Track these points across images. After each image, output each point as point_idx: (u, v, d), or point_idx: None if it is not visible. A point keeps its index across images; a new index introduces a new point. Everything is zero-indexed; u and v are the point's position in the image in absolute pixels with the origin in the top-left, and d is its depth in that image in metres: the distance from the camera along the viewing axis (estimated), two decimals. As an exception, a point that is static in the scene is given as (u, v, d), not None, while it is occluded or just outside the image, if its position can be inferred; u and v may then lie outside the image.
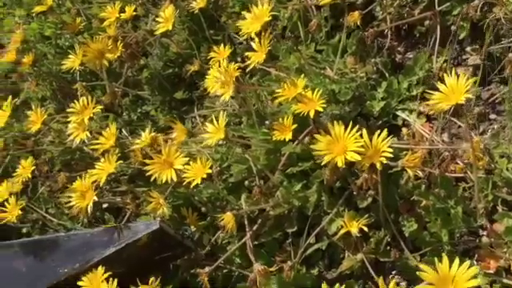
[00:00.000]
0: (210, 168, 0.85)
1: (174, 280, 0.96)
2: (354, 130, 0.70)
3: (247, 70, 0.93)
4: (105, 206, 1.16)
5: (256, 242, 0.90)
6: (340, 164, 0.69)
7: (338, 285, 0.75)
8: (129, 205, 0.99)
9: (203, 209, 0.99)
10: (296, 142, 0.87)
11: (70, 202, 1.20)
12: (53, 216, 1.20)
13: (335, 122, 0.71)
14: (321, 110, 0.77)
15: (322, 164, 0.71)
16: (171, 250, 0.93)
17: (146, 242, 0.90)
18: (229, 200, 0.97)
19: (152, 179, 0.90)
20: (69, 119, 1.07)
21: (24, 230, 1.23)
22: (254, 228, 0.90)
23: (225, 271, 0.94)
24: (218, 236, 0.96)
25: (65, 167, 1.26)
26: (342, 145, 0.70)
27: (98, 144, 0.99)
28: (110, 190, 1.15)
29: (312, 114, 0.77)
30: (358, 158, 0.69)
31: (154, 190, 0.93)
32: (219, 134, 0.84)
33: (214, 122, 0.86)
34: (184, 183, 0.87)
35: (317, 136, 0.72)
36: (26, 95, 1.38)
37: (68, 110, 1.06)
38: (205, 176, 0.85)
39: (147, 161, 0.90)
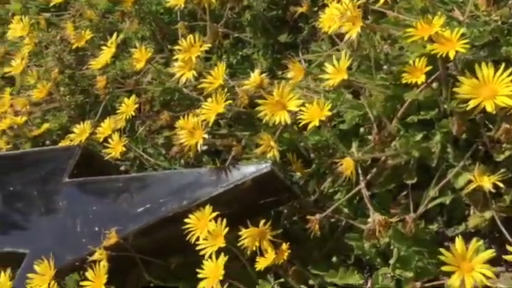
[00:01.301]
0: (330, 110, 0.80)
1: (275, 227, 0.94)
2: (507, 72, 0.63)
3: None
4: (203, 148, 1.15)
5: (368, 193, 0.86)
6: (489, 109, 0.63)
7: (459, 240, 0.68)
8: (234, 147, 0.96)
9: (311, 155, 0.95)
10: (421, 88, 0.81)
11: (168, 141, 1.22)
12: (150, 156, 1.21)
13: (483, 63, 0.64)
14: (463, 50, 0.70)
15: (468, 109, 0.65)
16: (277, 195, 0.91)
17: (254, 185, 0.87)
18: (338, 147, 0.93)
19: (263, 121, 0.87)
20: (173, 58, 1.05)
21: (122, 168, 1.25)
22: (368, 177, 0.85)
23: (332, 220, 0.91)
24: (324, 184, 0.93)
25: (163, 108, 1.26)
26: (491, 88, 0.63)
27: (206, 83, 0.97)
28: (209, 132, 1.14)
29: (452, 55, 0.70)
30: (511, 102, 0.62)
31: (262, 133, 0.91)
32: (341, 76, 0.79)
33: (335, 62, 0.81)
34: (300, 126, 0.83)
35: (461, 78, 0.65)
36: (125, 35, 1.38)
37: (175, 47, 1.04)
38: (323, 118, 0.81)
39: (259, 101, 0.87)
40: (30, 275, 0.89)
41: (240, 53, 1.20)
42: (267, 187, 0.88)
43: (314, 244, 0.89)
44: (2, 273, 0.92)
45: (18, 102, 1.28)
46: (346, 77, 0.78)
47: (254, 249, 0.84)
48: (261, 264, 0.82)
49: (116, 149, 1.11)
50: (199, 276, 0.83)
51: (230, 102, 0.92)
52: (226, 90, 0.93)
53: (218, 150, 1.16)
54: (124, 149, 1.10)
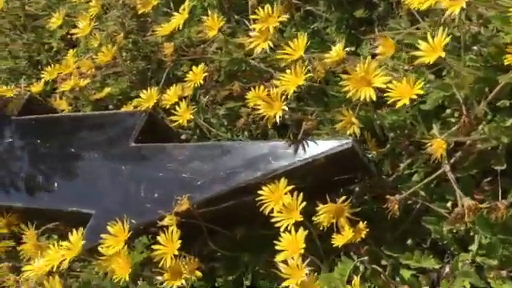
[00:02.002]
0: (421, 89, 0.78)
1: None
2: None
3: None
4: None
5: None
6: None
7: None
8: (308, 121, 0.95)
9: (387, 134, 0.93)
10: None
11: (231, 112, 1.21)
12: (211, 125, 1.21)
13: None
14: None
15: None
16: (353, 172, 0.89)
17: (332, 160, 0.86)
18: (418, 128, 0.90)
19: (348, 96, 0.84)
20: (242, 28, 1.03)
21: (183, 137, 1.25)
22: (452, 161, 0.83)
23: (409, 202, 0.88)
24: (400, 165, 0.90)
25: (229, 79, 1.25)
26: None
27: (284, 54, 0.95)
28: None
29: None
30: None
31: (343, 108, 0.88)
32: (436, 54, 0.76)
33: (429, 39, 0.78)
34: (388, 103, 0.80)
35: None
36: (192, 2, 1.36)
37: (251, 17, 1.02)
38: (414, 97, 0.78)
39: (344, 76, 0.85)
40: (103, 236, 0.90)
41: (312, 26, 1.17)
42: (345, 164, 0.86)
43: (388, 225, 0.88)
44: (75, 232, 0.92)
45: (83, 64, 1.29)
46: (443, 55, 0.75)
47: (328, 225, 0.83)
48: (338, 241, 0.81)
49: (183, 117, 1.10)
50: (277, 248, 0.82)
51: (311, 75, 0.90)
52: (306, 62, 0.91)
53: (284, 125, 1.14)
54: (192, 117, 1.10)
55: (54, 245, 0.97)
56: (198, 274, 0.91)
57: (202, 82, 1.11)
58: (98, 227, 1.00)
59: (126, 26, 1.37)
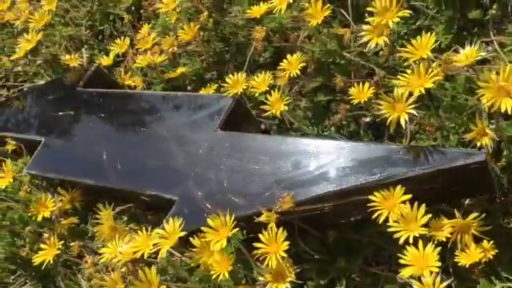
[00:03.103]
0: None
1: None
2: None
3: None
4: (367, 120, 1.08)
5: None
6: None
7: None
8: (427, 126, 0.89)
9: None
10: None
11: (314, 106, 1.15)
12: (294, 117, 1.15)
13: None
14: None
15: None
16: (477, 186, 0.83)
17: (458, 171, 0.80)
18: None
19: (487, 106, 0.78)
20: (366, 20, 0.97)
21: (262, 127, 1.19)
22: None
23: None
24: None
25: (316, 70, 1.18)
26: None
27: (406, 53, 0.89)
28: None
29: None
30: None
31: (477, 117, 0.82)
32: None
33: None
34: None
35: None
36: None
37: (368, 8, 0.95)
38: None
39: (481, 83, 0.78)
40: (204, 229, 0.85)
41: (417, 23, 1.10)
42: (471, 177, 0.81)
43: (505, 246, 0.83)
44: (171, 220, 0.87)
45: (166, 41, 1.23)
46: None
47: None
48: (464, 260, 0.76)
49: (275, 107, 1.05)
50: (401, 261, 0.76)
51: (440, 78, 0.84)
52: (434, 63, 0.85)
53: (377, 125, 1.09)
54: (286, 108, 1.04)
55: (141, 230, 0.92)
56: (292, 275, 0.86)
57: (298, 71, 1.05)
58: (180, 215, 0.96)
59: (205, 3, 1.31)
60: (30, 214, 1.16)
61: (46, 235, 1.15)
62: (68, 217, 1.20)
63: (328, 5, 1.03)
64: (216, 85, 1.22)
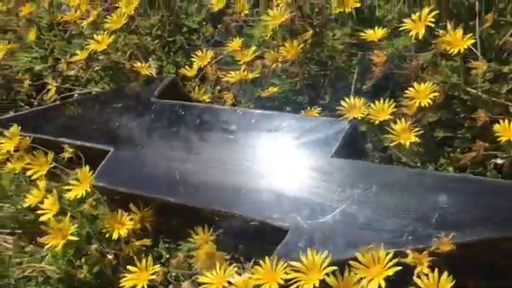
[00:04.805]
0: None
1: None
2: None
3: None
4: (498, 161, 0.99)
5: None
6: None
7: None
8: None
9: None
10: None
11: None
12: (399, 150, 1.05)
13: None
14: None
15: None
16: None
17: None
18: None
19: None
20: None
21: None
22: None
23: None
24: None
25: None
26: None
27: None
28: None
29: None
30: None
31: None
32: None
33: None
34: None
35: None
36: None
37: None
38: None
39: None
40: (353, 264, 0.72)
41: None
42: None
43: None
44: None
45: (269, 56, 1.13)
46: None
47: None
48: None
49: (403, 137, 0.95)
50: None
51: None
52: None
53: (506, 168, 1.00)
54: (416, 139, 0.94)
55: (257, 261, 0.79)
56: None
57: (429, 101, 0.96)
58: (290, 243, 0.84)
59: (312, 23, 1.22)
60: (104, 231, 1.02)
61: (109, 256, 1.01)
62: (138, 237, 1.06)
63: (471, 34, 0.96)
64: (317, 109, 1.13)
